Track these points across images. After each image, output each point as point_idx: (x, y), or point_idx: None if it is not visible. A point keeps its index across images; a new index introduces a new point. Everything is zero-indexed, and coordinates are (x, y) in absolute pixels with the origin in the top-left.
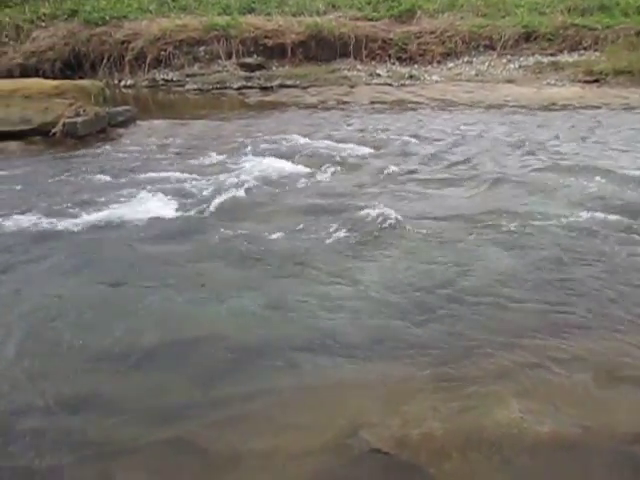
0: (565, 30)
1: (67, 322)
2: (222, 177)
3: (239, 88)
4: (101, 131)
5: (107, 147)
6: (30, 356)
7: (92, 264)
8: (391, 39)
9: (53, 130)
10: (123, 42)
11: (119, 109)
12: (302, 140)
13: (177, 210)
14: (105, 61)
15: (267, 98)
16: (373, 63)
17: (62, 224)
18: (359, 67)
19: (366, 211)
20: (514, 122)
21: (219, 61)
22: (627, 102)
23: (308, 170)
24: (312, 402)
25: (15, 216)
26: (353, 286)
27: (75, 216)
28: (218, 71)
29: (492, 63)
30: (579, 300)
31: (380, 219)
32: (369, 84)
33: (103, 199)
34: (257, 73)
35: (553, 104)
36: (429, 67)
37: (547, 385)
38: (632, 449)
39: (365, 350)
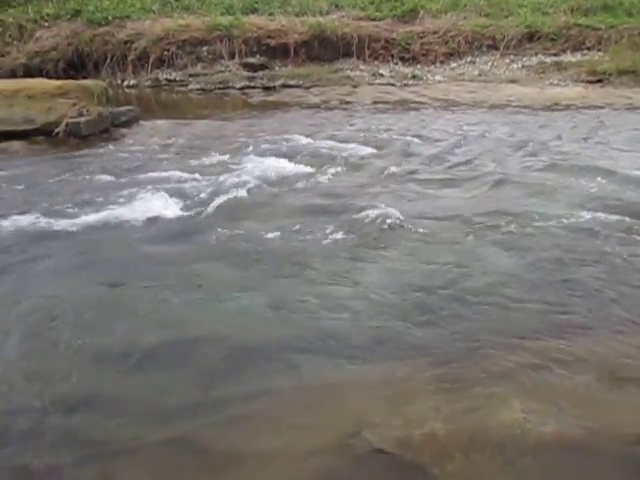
0: (568, 30)
1: (67, 322)
2: (225, 177)
3: (242, 88)
4: (104, 131)
5: (110, 147)
6: (30, 356)
7: (94, 264)
8: (394, 39)
9: (56, 130)
10: (126, 42)
11: (122, 109)
12: (305, 140)
13: (179, 210)
14: (108, 61)
15: (270, 98)
16: (376, 63)
17: (64, 224)
18: (362, 67)
19: (368, 211)
20: (517, 122)
21: (222, 61)
22: (630, 102)
23: (310, 170)
24: (314, 402)
25: (18, 216)
26: (354, 286)
27: (77, 216)
28: (221, 71)
29: (495, 63)
30: (581, 301)
31: (382, 219)
32: (372, 84)
33: (106, 199)
34: (260, 73)
35: (556, 104)
36: (432, 67)
37: (550, 386)
38: (635, 450)
39: (367, 350)
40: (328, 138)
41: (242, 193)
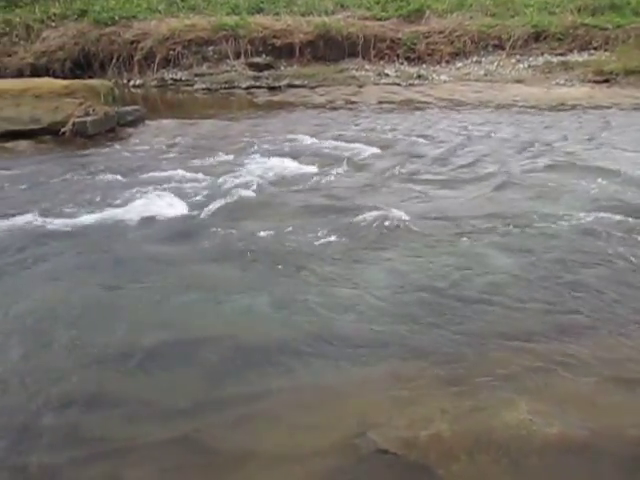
0: (575, 30)
1: (70, 321)
2: (230, 177)
3: (247, 88)
4: (110, 130)
5: (116, 146)
6: (35, 355)
7: (97, 263)
8: (400, 39)
9: (63, 129)
10: (132, 42)
11: (128, 109)
12: (310, 140)
13: (184, 210)
14: (114, 61)
15: (275, 98)
16: (381, 63)
17: (70, 223)
18: (367, 67)
19: (372, 212)
20: (523, 122)
21: (228, 61)
22: (638, 102)
23: (315, 170)
24: (318, 402)
25: (23, 214)
26: (360, 287)
27: (83, 215)
28: (227, 71)
29: (501, 63)
30: (586, 302)
31: (386, 220)
32: (377, 84)
33: (111, 198)
34: (265, 73)
35: (562, 104)
36: (437, 67)
37: (555, 387)
38: None
39: (371, 351)
40: (333, 138)
41: (247, 193)
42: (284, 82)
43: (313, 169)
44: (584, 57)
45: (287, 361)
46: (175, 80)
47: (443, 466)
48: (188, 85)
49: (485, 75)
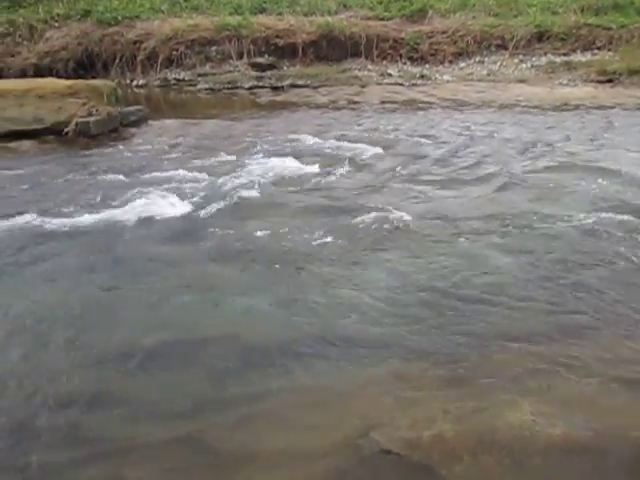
0: (578, 30)
1: (73, 321)
2: (232, 177)
3: (250, 88)
4: (113, 130)
5: (119, 146)
6: (36, 355)
7: (100, 263)
8: (402, 39)
9: (66, 129)
10: (135, 42)
11: (131, 109)
12: (312, 140)
13: (186, 210)
14: (117, 61)
15: (278, 98)
16: (384, 63)
17: (72, 223)
18: (370, 67)
19: (375, 212)
20: (526, 122)
21: (230, 61)
22: None
23: (318, 170)
24: (322, 402)
25: (26, 214)
26: (362, 287)
27: (86, 215)
28: (229, 71)
29: (504, 63)
30: (590, 303)
31: (389, 220)
32: (380, 84)
33: (114, 198)
34: (268, 73)
35: (565, 104)
36: (440, 67)
37: (558, 388)
38: None
39: (375, 351)
40: (336, 138)
41: (249, 193)
42: (287, 82)
43: (315, 169)
44: (587, 57)
45: (289, 361)
46: (178, 80)
47: (446, 466)
48: (191, 85)
49: (488, 75)
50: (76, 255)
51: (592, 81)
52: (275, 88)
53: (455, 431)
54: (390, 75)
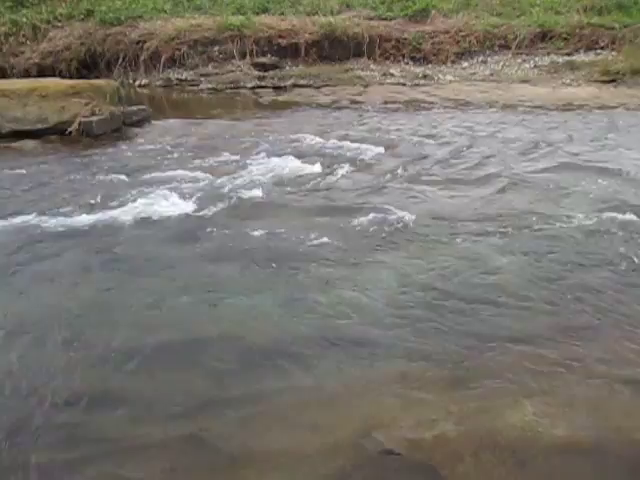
0: (581, 29)
1: (76, 321)
2: (235, 177)
3: (253, 88)
4: (116, 130)
5: (122, 146)
6: (43, 353)
7: (101, 263)
8: (405, 39)
9: (69, 129)
10: (138, 42)
11: (134, 108)
12: (315, 140)
13: (189, 210)
14: (120, 61)
15: (280, 98)
16: (387, 63)
17: (76, 222)
18: (373, 67)
19: (378, 212)
20: (529, 123)
21: (233, 61)
22: None
23: (320, 170)
24: (325, 402)
25: (28, 214)
26: (364, 287)
27: (89, 214)
28: (232, 71)
29: (507, 63)
30: (595, 303)
31: (392, 221)
32: (382, 84)
33: (117, 198)
34: (271, 73)
35: (569, 104)
36: (443, 67)
37: (561, 388)
38: None
39: (377, 351)
40: (338, 138)
41: (251, 193)
42: (289, 82)
43: (318, 169)
44: (590, 57)
45: (291, 361)
46: (181, 80)
47: (448, 467)
48: (194, 85)
49: (491, 75)
50: (78, 254)
51: (595, 81)
52: (278, 88)
53: (458, 431)
54: (392, 75)
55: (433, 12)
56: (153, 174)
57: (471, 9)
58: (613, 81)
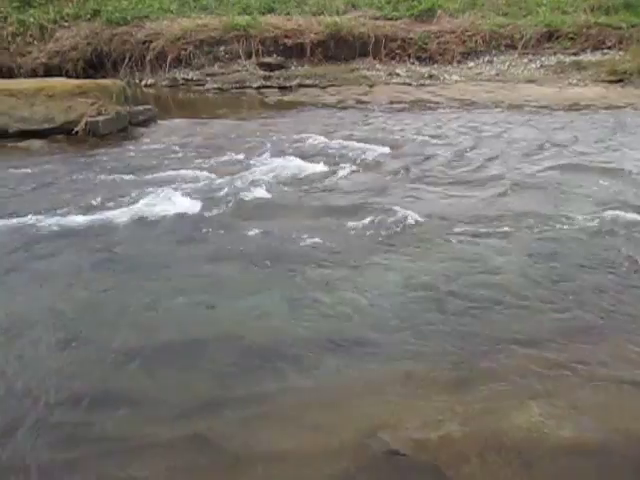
0: (588, 29)
1: (79, 320)
2: (241, 176)
3: (258, 87)
4: (122, 130)
5: (128, 146)
6: (49, 352)
7: (109, 262)
8: (411, 38)
9: (76, 129)
10: (144, 42)
11: (140, 108)
12: (321, 140)
13: (195, 209)
14: (127, 60)
15: (286, 97)
16: (392, 63)
17: (82, 221)
18: (378, 67)
19: (383, 212)
20: (535, 123)
21: (239, 61)
22: None
23: (326, 170)
24: (330, 402)
25: (34, 213)
26: (369, 287)
27: (95, 213)
28: (238, 70)
29: (513, 63)
30: (601, 304)
31: (398, 220)
32: (388, 84)
33: (123, 197)
34: (276, 72)
35: (575, 104)
36: (449, 67)
37: (568, 389)
38: None
39: (382, 352)
40: (344, 138)
41: (257, 193)
42: (295, 82)
43: (323, 169)
44: (597, 57)
45: (296, 361)
46: (187, 80)
47: (453, 467)
48: (199, 85)
49: (497, 75)
50: (85, 253)
51: (602, 81)
52: (283, 88)
53: (463, 432)
54: (398, 75)
55: (439, 12)
56: (158, 174)
57: (477, 9)
58: (620, 81)
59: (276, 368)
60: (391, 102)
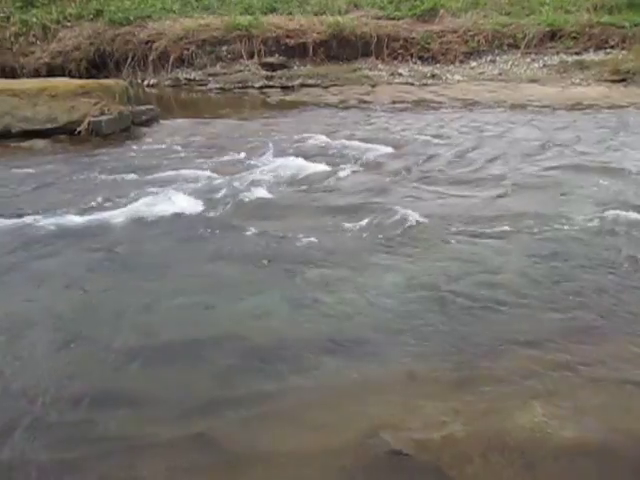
0: (591, 28)
1: (81, 319)
2: (243, 176)
3: (261, 87)
4: (125, 130)
5: (130, 146)
6: (48, 352)
7: (110, 261)
8: (413, 38)
9: (78, 129)
10: (147, 42)
11: (143, 108)
12: (323, 139)
13: (197, 209)
14: (129, 60)
15: (288, 97)
16: (395, 62)
17: (83, 221)
18: (380, 66)
19: (385, 212)
20: (537, 122)
21: (241, 60)
22: None
23: (328, 170)
24: (332, 402)
25: (36, 213)
26: (373, 286)
27: (97, 213)
28: (240, 70)
29: (516, 62)
30: (602, 304)
31: (400, 220)
32: (391, 83)
33: (126, 197)
34: (279, 72)
35: (578, 104)
36: (451, 66)
37: (571, 389)
38: None
39: (385, 351)
40: (346, 138)
41: (260, 192)
42: (297, 82)
43: (325, 169)
44: (600, 56)
45: (299, 361)
46: (189, 80)
47: (456, 468)
48: (202, 85)
49: (499, 74)
50: (86, 253)
51: (605, 80)
52: (285, 88)
53: (466, 432)
54: (401, 75)
55: (441, 11)
56: (160, 174)
57: (480, 8)
58: (623, 80)
59: (276, 368)
60: (393, 102)
